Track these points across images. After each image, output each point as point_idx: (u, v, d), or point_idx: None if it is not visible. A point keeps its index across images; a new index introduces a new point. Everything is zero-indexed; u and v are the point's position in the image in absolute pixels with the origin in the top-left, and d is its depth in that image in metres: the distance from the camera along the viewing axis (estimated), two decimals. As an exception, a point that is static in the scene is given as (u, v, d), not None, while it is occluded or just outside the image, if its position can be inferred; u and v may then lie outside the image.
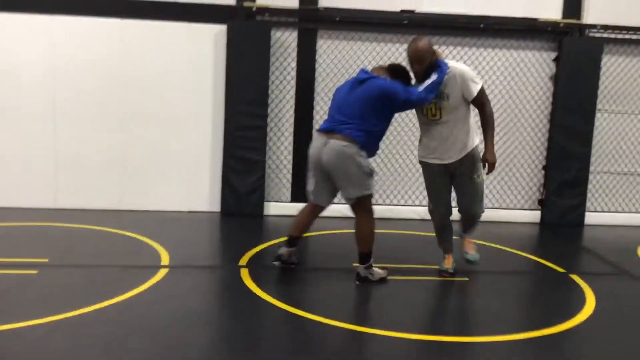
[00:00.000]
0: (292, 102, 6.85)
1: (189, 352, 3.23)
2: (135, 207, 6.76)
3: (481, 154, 4.39)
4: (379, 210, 6.87)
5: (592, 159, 7.12)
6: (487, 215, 6.70)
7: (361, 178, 4.18)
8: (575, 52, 6.85)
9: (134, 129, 6.69)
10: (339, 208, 6.90)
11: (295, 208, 4.51)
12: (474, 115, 4.40)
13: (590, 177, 7.15)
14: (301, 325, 3.75)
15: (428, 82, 4.13)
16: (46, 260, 4.72)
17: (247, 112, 6.58)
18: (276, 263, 4.63)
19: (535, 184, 7.25)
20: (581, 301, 4.35)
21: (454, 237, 4.79)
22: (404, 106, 4.29)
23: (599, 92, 6.98)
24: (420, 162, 4.58)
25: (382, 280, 4.47)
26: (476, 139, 4.35)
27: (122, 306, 3.84)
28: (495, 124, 6.90)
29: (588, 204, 7.20)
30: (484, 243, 5.67)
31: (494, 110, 6.95)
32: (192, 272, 4.66)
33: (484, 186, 4.55)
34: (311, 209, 4.59)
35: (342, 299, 4.22)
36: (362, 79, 4.22)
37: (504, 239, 6.07)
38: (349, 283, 4.50)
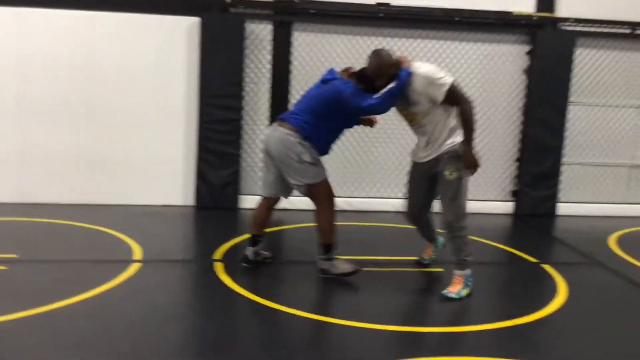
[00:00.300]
0: (267, 95, 6.81)
1: (163, 347, 3.21)
2: (107, 201, 6.67)
3: None
4: (354, 203, 6.99)
5: (565, 151, 7.21)
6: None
7: (302, 167, 4.19)
8: (549, 45, 6.92)
9: (105, 122, 6.59)
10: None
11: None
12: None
13: (563, 168, 7.25)
14: (277, 318, 3.75)
15: (383, 91, 4.07)
16: (16, 255, 4.63)
17: (221, 105, 6.53)
18: (245, 264, 4.62)
19: (509, 176, 7.32)
20: (553, 291, 4.41)
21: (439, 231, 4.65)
22: (356, 112, 4.24)
23: (571, 84, 7.07)
24: None
25: (346, 274, 4.35)
26: (458, 136, 4.14)
27: (94, 301, 3.79)
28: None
29: (560, 195, 7.29)
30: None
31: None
32: (166, 266, 4.62)
33: (463, 189, 4.20)
34: (265, 204, 4.60)
35: (318, 292, 4.22)
36: (326, 80, 4.29)
37: (478, 230, 6.10)
38: (326, 276, 4.50)
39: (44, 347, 3.14)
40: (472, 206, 6.99)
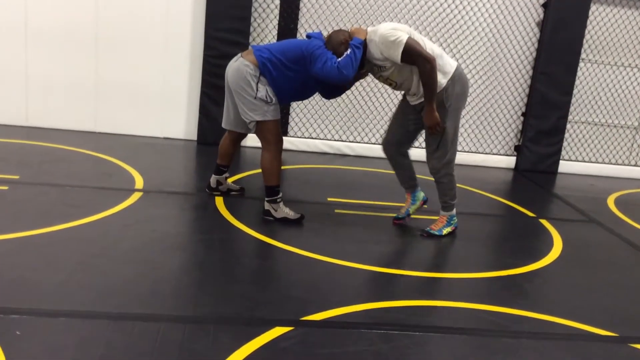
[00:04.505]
0: (275, 32, 6.70)
1: (161, 276, 3.25)
2: (111, 130, 6.66)
3: (447, 101, 4.05)
4: (356, 148, 6.97)
5: (571, 109, 7.16)
6: (464, 158, 6.81)
7: (252, 102, 4.11)
8: (565, -1, 6.77)
9: (110, 51, 6.50)
10: (316, 143, 6.94)
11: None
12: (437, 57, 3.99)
13: (568, 126, 7.21)
14: (273, 253, 3.79)
15: (341, 58, 3.92)
16: (17, 177, 4.65)
17: (228, 40, 6.41)
18: (207, 190, 4.78)
19: (513, 130, 7.29)
20: (548, 245, 4.45)
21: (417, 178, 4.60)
22: (316, 70, 3.98)
23: (584, 41, 6.96)
24: None
25: (287, 220, 4.31)
26: (442, 79, 4.00)
27: (95, 226, 3.82)
28: (479, 67, 6.98)
29: (563, 153, 7.28)
30: (458, 185, 5.70)
31: (478, 53, 6.96)
32: (167, 197, 4.64)
33: (448, 139, 4.12)
34: (228, 136, 4.62)
35: (315, 231, 4.24)
36: (311, 36, 4.20)
37: (479, 182, 6.14)
38: (323, 216, 4.53)
39: (44, 266, 3.18)
40: (475, 158, 7.11)
